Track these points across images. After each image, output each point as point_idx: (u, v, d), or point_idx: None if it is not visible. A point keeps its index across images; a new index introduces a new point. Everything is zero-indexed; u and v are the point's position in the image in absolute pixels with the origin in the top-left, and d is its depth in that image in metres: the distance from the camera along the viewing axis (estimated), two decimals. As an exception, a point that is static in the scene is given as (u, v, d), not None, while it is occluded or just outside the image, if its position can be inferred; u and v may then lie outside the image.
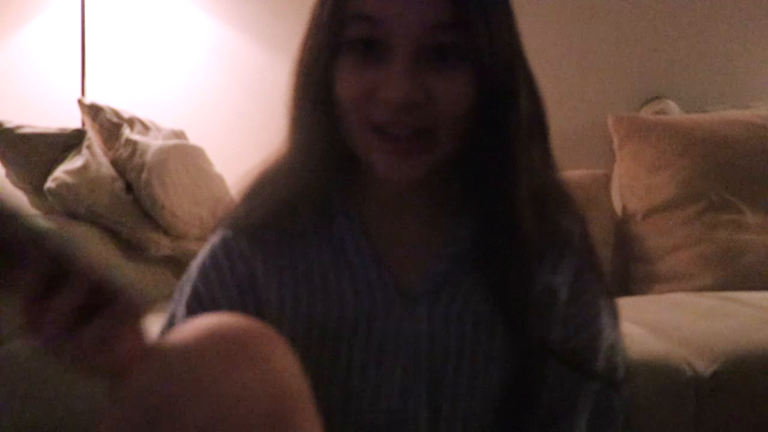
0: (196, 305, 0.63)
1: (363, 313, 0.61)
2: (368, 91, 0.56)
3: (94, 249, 1.46)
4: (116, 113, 1.58)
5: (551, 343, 0.61)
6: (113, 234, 1.49)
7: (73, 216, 1.43)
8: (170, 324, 0.65)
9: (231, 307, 0.62)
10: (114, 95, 1.96)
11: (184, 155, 1.63)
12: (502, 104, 0.58)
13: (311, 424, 0.49)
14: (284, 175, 0.63)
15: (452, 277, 0.62)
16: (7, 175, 1.48)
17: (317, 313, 0.61)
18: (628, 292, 1.68)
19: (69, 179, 1.41)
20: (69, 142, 1.47)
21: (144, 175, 1.49)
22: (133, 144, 1.53)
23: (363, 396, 0.59)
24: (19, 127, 1.44)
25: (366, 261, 0.62)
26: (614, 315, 0.66)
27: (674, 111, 1.90)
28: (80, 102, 1.58)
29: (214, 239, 0.65)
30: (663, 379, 1.07)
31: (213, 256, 0.64)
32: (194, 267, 0.65)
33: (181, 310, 0.64)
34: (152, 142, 1.55)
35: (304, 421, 0.48)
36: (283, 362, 0.49)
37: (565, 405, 0.62)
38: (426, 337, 0.61)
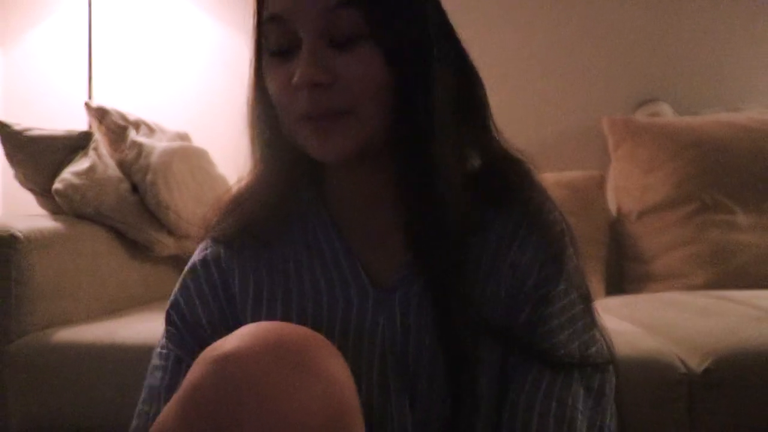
0: (176, 315, 0.66)
1: (339, 308, 0.62)
2: (285, 85, 0.58)
3: (101, 249, 1.48)
4: (122, 116, 1.60)
5: (490, 322, 0.60)
6: (119, 234, 1.51)
7: (80, 216, 1.44)
8: (165, 338, 0.67)
9: (205, 312, 0.65)
10: (120, 98, 1.97)
11: (189, 157, 1.64)
12: (415, 82, 0.59)
13: (360, 430, 0.50)
14: (255, 189, 0.64)
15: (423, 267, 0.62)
16: (16, 177, 1.48)
17: (293, 310, 0.63)
18: (622, 290, 1.69)
19: (76, 180, 1.42)
20: (76, 144, 1.48)
21: (149, 177, 1.50)
22: (139, 146, 1.54)
23: None
24: (27, 129, 1.44)
25: (339, 257, 0.64)
26: (584, 300, 0.64)
27: (668, 113, 1.89)
28: (87, 105, 1.60)
29: (194, 255, 0.67)
30: (656, 376, 1.08)
31: (192, 268, 0.67)
32: (176, 286, 0.67)
33: (165, 324, 0.67)
34: (157, 144, 1.57)
35: (355, 429, 0.49)
36: (341, 374, 0.50)
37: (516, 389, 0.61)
38: (401, 329, 0.62)
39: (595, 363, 0.62)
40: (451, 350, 0.60)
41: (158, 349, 0.67)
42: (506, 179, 0.64)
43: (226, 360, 0.49)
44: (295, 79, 0.57)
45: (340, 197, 0.65)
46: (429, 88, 0.59)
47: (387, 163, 0.62)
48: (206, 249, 0.67)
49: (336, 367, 0.51)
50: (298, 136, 0.60)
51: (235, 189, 0.67)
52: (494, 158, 0.64)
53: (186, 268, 0.67)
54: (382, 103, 0.59)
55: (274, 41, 0.60)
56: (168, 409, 0.50)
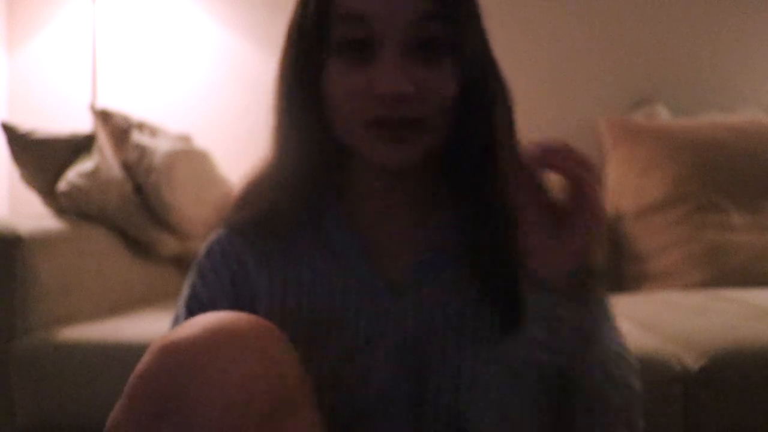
0: (195, 302, 0.65)
1: (351, 304, 0.62)
2: (362, 89, 0.58)
3: (105, 249, 1.49)
4: (125, 118, 1.60)
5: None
6: (123, 234, 1.52)
7: (84, 216, 1.45)
8: (176, 323, 0.66)
9: (227, 300, 0.64)
10: (124, 101, 1.99)
11: (191, 159, 1.66)
12: (484, 95, 0.60)
13: (309, 412, 0.51)
14: (272, 179, 0.64)
15: (437, 267, 0.63)
16: (22, 177, 1.49)
17: (306, 305, 0.63)
18: (619, 290, 1.69)
19: (80, 181, 1.43)
20: (80, 145, 1.48)
21: (153, 178, 1.52)
22: (142, 148, 1.55)
23: (352, 382, 0.60)
24: (32, 131, 1.45)
25: (353, 253, 0.64)
26: (608, 311, 0.64)
27: (663, 114, 1.90)
28: (91, 107, 1.62)
29: (210, 239, 0.67)
30: (653, 374, 1.08)
31: (209, 254, 0.66)
32: (193, 267, 0.67)
33: (181, 308, 0.66)
34: (160, 146, 1.58)
35: (302, 410, 0.51)
36: (282, 355, 0.51)
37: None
38: (412, 326, 0.62)
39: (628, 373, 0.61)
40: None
41: None
42: None
43: (171, 348, 0.50)
44: (381, 89, 0.56)
45: (361, 196, 0.65)
46: (496, 101, 0.61)
47: (417, 172, 0.63)
48: (222, 237, 0.66)
49: (283, 355, 0.51)
50: (361, 141, 0.60)
51: (249, 178, 0.66)
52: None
53: (201, 254, 0.67)
54: (450, 117, 0.60)
55: (344, 38, 0.58)
56: (118, 402, 0.51)
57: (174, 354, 0.49)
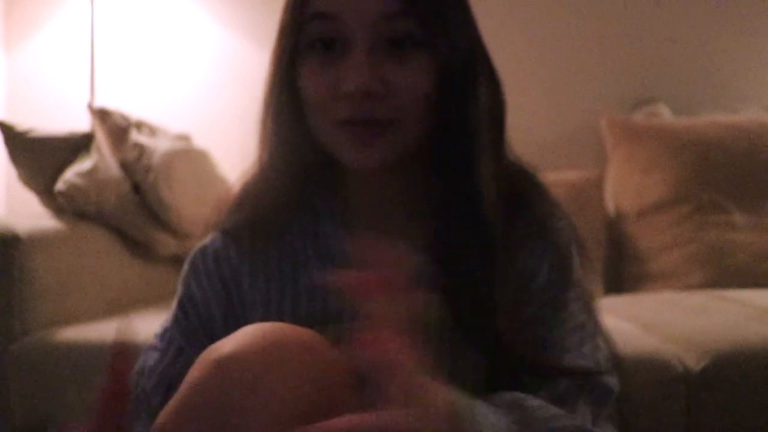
0: (189, 302, 0.65)
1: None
2: (331, 88, 0.58)
3: (103, 249, 1.49)
4: (124, 117, 1.60)
5: (511, 338, 0.58)
6: (121, 234, 1.52)
7: (82, 216, 1.45)
8: (172, 321, 0.67)
9: (219, 303, 0.64)
10: (122, 100, 1.99)
11: (190, 158, 1.66)
12: (462, 92, 0.59)
13: None
14: (265, 180, 0.64)
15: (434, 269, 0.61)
16: (19, 177, 1.50)
17: (302, 308, 0.62)
18: (620, 290, 1.70)
19: (78, 181, 1.43)
20: (78, 144, 1.49)
21: (151, 177, 1.52)
22: (141, 147, 1.55)
23: None
24: (30, 130, 1.46)
25: (348, 255, 0.62)
26: (588, 308, 0.63)
27: (665, 114, 1.91)
28: (90, 106, 1.62)
29: (204, 241, 0.66)
30: (654, 375, 1.09)
31: (203, 256, 0.66)
32: (185, 268, 0.67)
33: (176, 306, 0.66)
34: (159, 145, 1.58)
35: None
36: (341, 377, 0.51)
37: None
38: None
39: (600, 371, 0.60)
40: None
41: (160, 331, 0.67)
42: (517, 189, 0.64)
43: (226, 361, 0.49)
44: (348, 86, 0.56)
45: (354, 198, 0.65)
46: (474, 99, 0.60)
47: (409, 169, 0.62)
48: (216, 241, 0.66)
49: (332, 372, 0.51)
50: (333, 140, 0.60)
51: (241, 183, 0.66)
52: (507, 169, 0.64)
53: (194, 254, 0.66)
54: (425, 114, 0.59)
55: (317, 39, 0.58)
56: (168, 411, 0.50)
57: (229, 368, 0.49)
